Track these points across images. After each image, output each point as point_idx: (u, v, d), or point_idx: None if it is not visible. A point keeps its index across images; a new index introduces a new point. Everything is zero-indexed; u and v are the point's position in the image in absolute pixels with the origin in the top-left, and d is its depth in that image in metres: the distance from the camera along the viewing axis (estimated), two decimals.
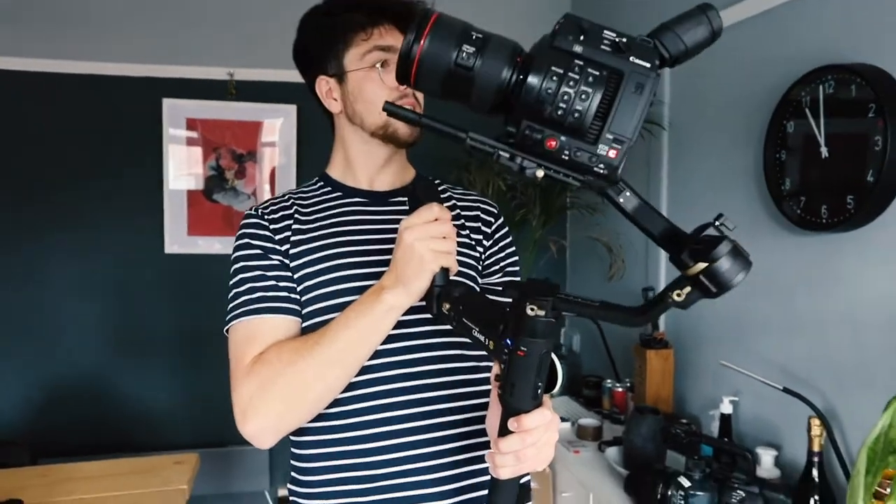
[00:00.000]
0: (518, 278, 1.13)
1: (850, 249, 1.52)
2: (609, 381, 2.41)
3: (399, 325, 0.89)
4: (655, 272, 2.33)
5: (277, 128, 2.81)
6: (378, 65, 1.00)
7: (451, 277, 0.92)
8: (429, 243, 0.81)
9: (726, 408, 1.78)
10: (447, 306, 0.81)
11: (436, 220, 0.82)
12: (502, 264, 1.10)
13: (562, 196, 2.74)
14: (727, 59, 1.95)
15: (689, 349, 2.15)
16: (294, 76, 1.12)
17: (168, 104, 2.74)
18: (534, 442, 0.71)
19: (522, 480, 0.94)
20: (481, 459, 1.00)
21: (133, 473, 1.72)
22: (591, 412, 2.38)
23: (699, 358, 2.11)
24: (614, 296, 2.60)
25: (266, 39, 2.31)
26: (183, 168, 2.80)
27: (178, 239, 2.79)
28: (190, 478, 1.68)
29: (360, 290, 0.91)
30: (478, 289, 1.06)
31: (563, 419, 2.30)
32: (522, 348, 0.68)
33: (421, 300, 0.85)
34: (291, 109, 2.75)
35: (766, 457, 1.64)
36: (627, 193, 0.65)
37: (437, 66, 0.62)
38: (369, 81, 1.00)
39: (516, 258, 1.14)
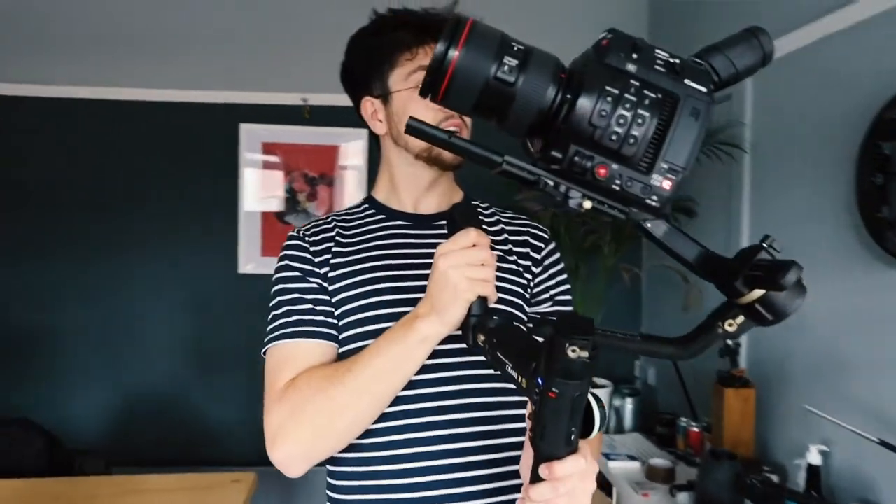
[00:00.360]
0: (570, 308, 1.06)
1: None
2: (684, 419, 2.25)
3: (435, 354, 0.85)
4: None
5: (355, 151, 2.87)
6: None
7: (494, 306, 0.86)
8: (464, 271, 0.75)
9: (814, 458, 1.60)
10: (482, 338, 0.75)
11: (473, 245, 0.77)
12: (552, 293, 1.03)
13: None
14: (815, 75, 1.81)
15: (773, 390, 1.98)
16: None
17: (245, 129, 2.85)
18: (567, 491, 0.64)
19: None
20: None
21: (193, 489, 1.73)
22: (663, 452, 2.23)
23: (785, 400, 1.93)
24: (690, 328, 2.45)
25: (339, 64, 2.39)
26: (258, 191, 2.89)
27: (252, 259, 2.87)
28: (246, 497, 1.68)
29: (397, 317, 0.87)
30: (525, 318, 1.00)
31: (632, 458, 2.17)
32: (554, 390, 0.61)
33: (458, 329, 0.80)
34: (363, 133, 2.80)
35: None
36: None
37: (473, 79, 0.54)
38: (413, 102, 0.96)
39: (568, 286, 1.07)
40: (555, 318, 0.65)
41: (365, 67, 1.01)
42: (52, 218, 2.84)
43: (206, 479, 1.79)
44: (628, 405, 2.58)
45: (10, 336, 2.82)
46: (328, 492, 1.00)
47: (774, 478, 1.67)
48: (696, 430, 2.17)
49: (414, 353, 0.82)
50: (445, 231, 0.99)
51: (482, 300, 0.77)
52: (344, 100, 1.07)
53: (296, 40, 2.84)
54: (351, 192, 2.90)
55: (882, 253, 1.50)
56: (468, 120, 0.99)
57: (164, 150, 2.86)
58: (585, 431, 0.66)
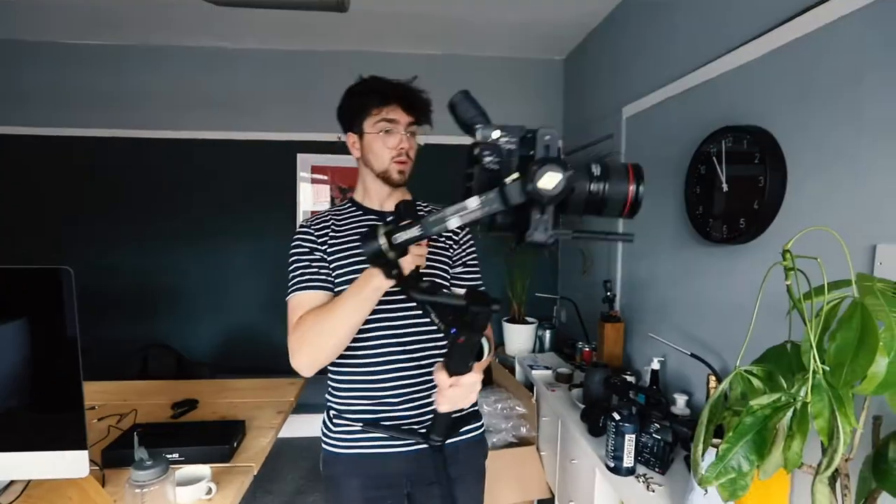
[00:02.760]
0: (476, 267, 1.07)
1: (742, 256, 1.41)
2: (581, 343, 2.33)
3: (388, 301, 0.89)
4: (614, 269, 2.23)
5: None
6: (382, 132, 0.97)
7: (427, 271, 0.91)
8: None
9: (655, 365, 1.68)
10: (413, 293, 0.76)
11: None
12: (464, 259, 1.06)
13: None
14: (662, 123, 1.85)
15: (635, 323, 2.05)
16: None
17: (300, 157, 2.86)
18: (465, 394, 0.70)
19: (469, 406, 0.89)
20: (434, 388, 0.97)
21: (262, 389, 1.76)
22: (567, 364, 2.30)
23: (641, 329, 2.00)
24: (587, 286, 2.51)
25: None
26: (309, 197, 2.91)
27: None
28: (296, 394, 1.73)
29: None
30: (448, 276, 1.02)
31: (547, 367, 2.23)
32: (462, 338, 0.66)
33: (397, 286, 0.80)
34: None
35: (681, 400, 1.54)
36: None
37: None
38: (376, 141, 0.97)
39: (475, 256, 1.08)
40: (468, 293, 0.67)
41: (350, 114, 1.00)
42: (186, 219, 2.87)
43: (272, 382, 1.82)
44: (547, 334, 2.64)
45: (157, 292, 2.87)
46: (329, 382, 1.04)
47: (631, 378, 1.74)
48: (587, 349, 2.23)
49: (370, 298, 0.83)
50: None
51: (417, 267, 0.80)
52: None
53: (332, 97, 2.83)
54: None
55: (699, 237, 1.56)
56: (413, 152, 0.99)
57: (251, 172, 2.87)
58: (478, 358, 0.70)
